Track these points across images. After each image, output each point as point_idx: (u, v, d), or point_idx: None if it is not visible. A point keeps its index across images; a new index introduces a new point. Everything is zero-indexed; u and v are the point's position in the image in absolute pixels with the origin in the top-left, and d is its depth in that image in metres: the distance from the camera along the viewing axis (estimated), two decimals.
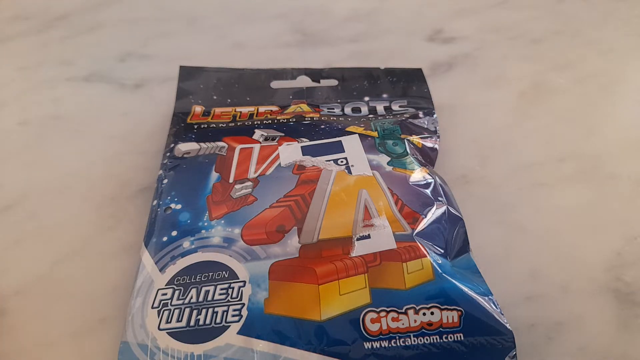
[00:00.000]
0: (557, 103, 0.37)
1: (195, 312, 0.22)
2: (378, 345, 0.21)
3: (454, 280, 0.22)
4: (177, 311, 0.22)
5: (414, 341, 0.21)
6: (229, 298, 0.22)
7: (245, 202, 0.26)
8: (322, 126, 0.31)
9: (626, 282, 0.26)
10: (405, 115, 0.32)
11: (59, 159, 0.33)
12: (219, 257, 0.24)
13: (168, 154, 0.29)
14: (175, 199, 0.26)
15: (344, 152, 0.29)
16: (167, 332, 0.21)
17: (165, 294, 0.23)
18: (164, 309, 0.22)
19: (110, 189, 0.31)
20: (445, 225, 0.25)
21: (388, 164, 0.28)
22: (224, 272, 0.23)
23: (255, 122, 0.32)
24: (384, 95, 0.35)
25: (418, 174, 0.27)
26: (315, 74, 0.36)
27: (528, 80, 0.39)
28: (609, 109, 0.37)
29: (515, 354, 0.21)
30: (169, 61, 0.40)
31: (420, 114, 0.33)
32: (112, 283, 0.26)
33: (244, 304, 0.22)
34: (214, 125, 0.31)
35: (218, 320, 0.22)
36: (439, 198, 0.26)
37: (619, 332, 0.24)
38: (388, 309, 0.22)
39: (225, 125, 0.31)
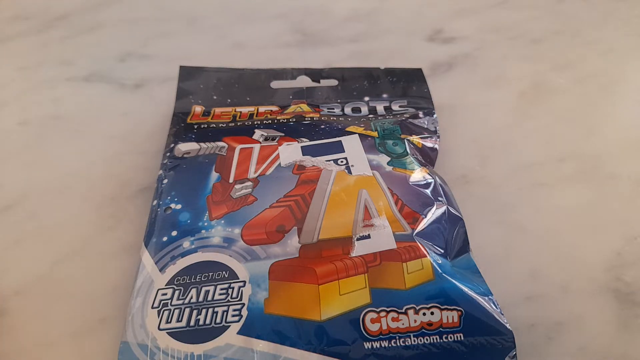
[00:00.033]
0: (557, 103, 0.37)
1: (195, 312, 0.22)
2: (378, 345, 0.21)
3: (454, 280, 0.22)
4: (177, 311, 0.22)
5: (414, 341, 0.21)
6: (229, 298, 0.22)
7: (245, 202, 0.26)
8: (322, 126, 0.31)
9: (626, 282, 0.26)
10: (405, 115, 0.32)
11: (59, 159, 0.33)
12: (219, 257, 0.24)
13: (168, 154, 0.29)
14: (175, 199, 0.26)
15: (344, 152, 0.29)
16: (167, 332, 0.21)
17: (165, 294, 0.23)
18: (164, 309, 0.22)
19: (110, 189, 0.31)
20: (445, 225, 0.25)
21: (388, 164, 0.28)
22: (224, 272, 0.23)
23: (255, 122, 0.32)
24: (384, 95, 0.35)
25: (418, 174, 0.27)
26: (315, 74, 0.36)
27: (528, 80, 0.39)
28: (609, 109, 0.37)
29: (515, 354, 0.21)
30: (169, 61, 0.40)
31: (420, 114, 0.33)
32: (112, 283, 0.26)
33: (244, 304, 0.22)
34: (214, 125, 0.31)
35: (218, 320, 0.22)
36: (439, 198, 0.26)
37: (619, 332, 0.24)
38: (388, 309, 0.22)
39: (225, 125, 0.31)
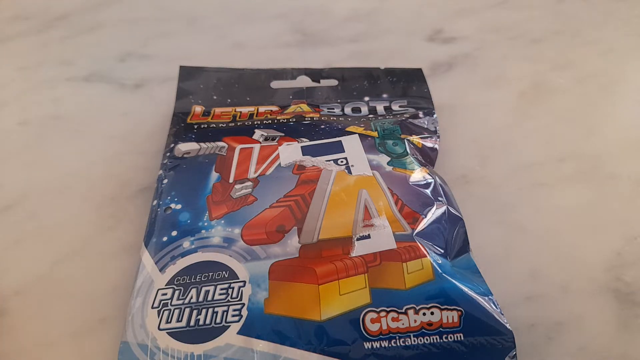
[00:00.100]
0: (557, 103, 0.37)
1: (195, 312, 0.22)
2: (378, 345, 0.21)
3: (454, 280, 0.22)
4: (177, 311, 0.22)
5: (414, 341, 0.21)
6: (229, 298, 0.22)
7: (245, 202, 0.26)
8: (322, 126, 0.31)
9: (626, 282, 0.26)
10: (405, 115, 0.32)
11: (59, 159, 0.33)
12: (219, 257, 0.24)
13: (168, 154, 0.29)
14: (175, 199, 0.26)
15: (344, 152, 0.29)
16: (167, 332, 0.21)
17: (165, 294, 0.23)
18: (164, 309, 0.22)
19: (110, 189, 0.31)
20: (445, 225, 0.25)
21: (388, 164, 0.28)
22: (224, 272, 0.23)
23: (255, 122, 0.32)
24: (384, 95, 0.35)
25: (418, 174, 0.27)
26: (315, 74, 0.36)
27: (528, 80, 0.39)
28: (609, 109, 0.37)
29: (515, 354, 0.21)
30: (169, 61, 0.40)
31: (420, 114, 0.33)
32: (112, 283, 0.26)
33: (244, 304, 0.22)
34: (214, 125, 0.31)
35: (218, 320, 0.22)
36: (439, 198, 0.26)
37: (619, 332, 0.24)
38: (388, 309, 0.22)
39: (225, 125, 0.31)
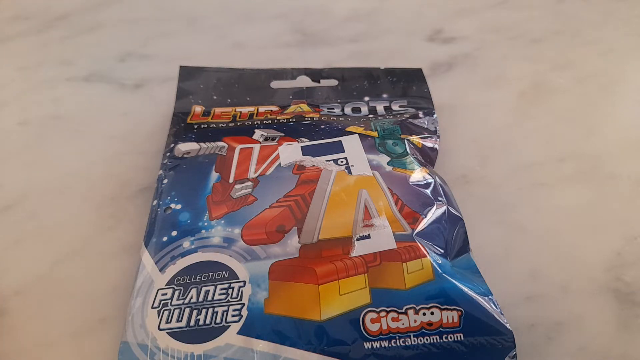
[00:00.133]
0: (557, 103, 0.37)
1: (195, 312, 0.22)
2: (378, 345, 0.21)
3: (454, 280, 0.22)
4: (177, 311, 0.22)
5: (414, 341, 0.21)
6: (229, 298, 0.22)
7: (245, 202, 0.26)
8: (322, 126, 0.31)
9: (626, 282, 0.26)
10: (405, 115, 0.32)
11: (59, 159, 0.33)
12: (219, 257, 0.24)
13: (168, 154, 0.29)
14: (175, 199, 0.26)
15: (344, 152, 0.29)
16: (167, 332, 0.21)
17: (165, 294, 0.23)
18: (164, 309, 0.22)
19: (110, 189, 0.31)
20: (445, 225, 0.25)
21: (388, 164, 0.28)
22: (224, 272, 0.23)
23: (255, 122, 0.32)
24: (384, 95, 0.35)
25: (418, 174, 0.27)
26: (315, 74, 0.36)
27: (528, 80, 0.39)
28: (609, 109, 0.37)
29: (515, 354, 0.21)
30: (169, 61, 0.40)
31: (420, 114, 0.33)
32: (112, 283, 0.26)
33: (244, 304, 0.22)
34: (214, 125, 0.31)
35: (218, 320, 0.22)
36: (439, 198, 0.26)
37: (619, 332, 0.24)
38: (388, 309, 0.22)
39: (225, 125, 0.31)
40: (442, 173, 0.29)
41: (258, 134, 0.30)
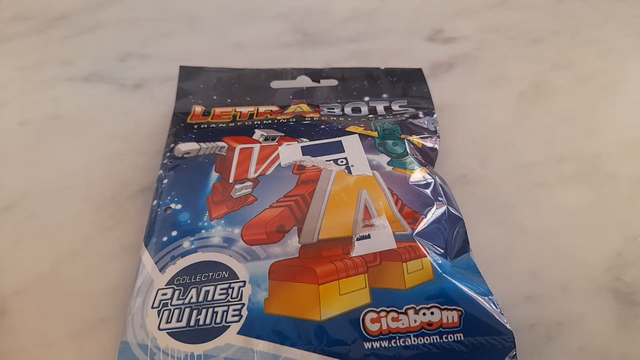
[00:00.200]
0: (557, 103, 0.37)
1: (195, 312, 0.22)
2: (378, 345, 0.21)
3: (454, 280, 0.22)
4: (177, 311, 0.22)
5: (414, 341, 0.21)
6: (229, 298, 0.22)
7: (245, 202, 0.26)
8: (322, 126, 0.31)
9: (626, 282, 0.26)
10: (405, 115, 0.32)
11: (59, 159, 0.33)
12: (219, 257, 0.24)
13: (168, 154, 0.29)
14: (175, 199, 0.26)
15: (344, 152, 0.29)
16: (167, 332, 0.21)
17: (165, 294, 0.23)
18: (164, 309, 0.22)
19: (110, 189, 0.31)
20: (445, 225, 0.25)
21: (388, 164, 0.28)
22: (224, 272, 0.23)
23: (255, 122, 0.32)
24: (384, 95, 0.35)
25: (418, 174, 0.27)
26: (315, 74, 0.36)
27: (528, 80, 0.39)
28: (609, 109, 0.37)
29: (515, 354, 0.21)
30: (169, 61, 0.40)
31: (420, 114, 0.33)
32: (112, 283, 0.26)
33: (244, 304, 0.22)
34: (214, 125, 0.31)
35: (218, 320, 0.22)
36: (439, 198, 0.26)
37: (619, 332, 0.24)
38: (388, 309, 0.22)
39: (225, 125, 0.31)
40: (442, 173, 0.29)
41: (258, 134, 0.30)
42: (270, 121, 0.32)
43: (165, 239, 0.25)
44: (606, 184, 0.31)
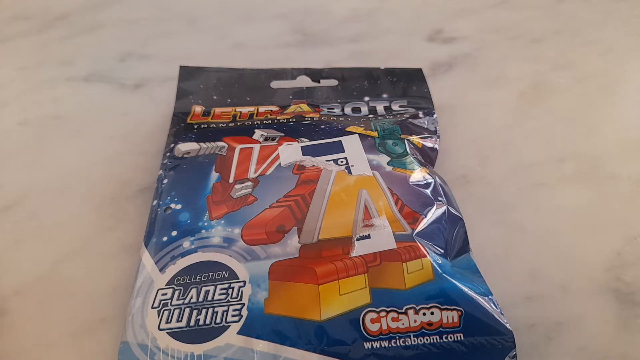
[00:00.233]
0: (557, 103, 0.37)
1: (195, 312, 0.22)
2: (378, 345, 0.21)
3: (454, 280, 0.22)
4: (177, 311, 0.22)
5: (414, 341, 0.21)
6: (229, 298, 0.22)
7: (245, 202, 0.26)
8: (322, 126, 0.31)
9: (626, 282, 0.26)
10: (405, 115, 0.32)
11: (59, 159, 0.33)
12: (219, 257, 0.24)
13: (168, 154, 0.29)
14: (175, 199, 0.26)
15: (344, 152, 0.29)
16: (167, 332, 0.21)
17: (165, 294, 0.23)
18: (164, 309, 0.22)
19: (110, 189, 0.31)
20: (445, 225, 0.25)
21: (388, 164, 0.28)
22: (224, 272, 0.23)
23: (255, 122, 0.32)
24: (384, 95, 0.35)
25: (418, 174, 0.27)
26: (315, 74, 0.36)
27: (528, 80, 0.39)
28: (609, 109, 0.37)
29: (515, 354, 0.21)
30: (169, 61, 0.40)
31: (420, 114, 0.33)
32: (112, 283, 0.26)
33: (244, 304, 0.22)
34: (214, 125, 0.31)
35: (218, 320, 0.22)
36: (439, 198, 0.26)
37: (619, 332, 0.24)
38: (388, 309, 0.22)
39: (225, 125, 0.31)
40: (442, 173, 0.29)
41: (258, 134, 0.30)
42: (270, 121, 0.32)
43: (165, 239, 0.25)
44: (606, 184, 0.31)
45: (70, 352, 0.24)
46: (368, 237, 0.24)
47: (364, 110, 0.33)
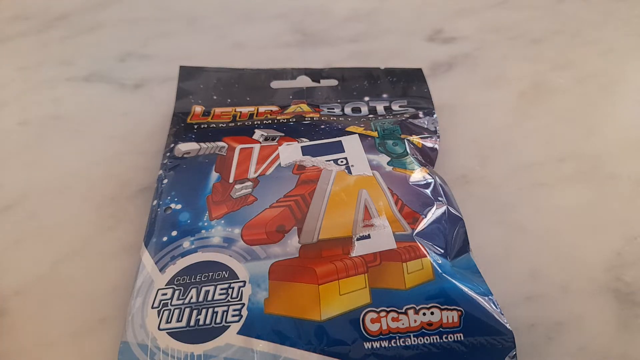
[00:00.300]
0: (557, 103, 0.37)
1: (195, 312, 0.22)
2: (378, 345, 0.21)
3: (454, 280, 0.22)
4: (177, 311, 0.22)
5: (414, 341, 0.21)
6: (229, 298, 0.22)
7: (245, 202, 0.26)
8: (322, 126, 0.31)
9: (626, 282, 0.26)
10: (405, 115, 0.32)
11: (59, 159, 0.33)
12: (219, 257, 0.24)
13: (168, 154, 0.29)
14: (175, 199, 0.26)
15: (344, 152, 0.29)
16: (167, 332, 0.21)
17: (165, 294, 0.23)
18: (164, 309, 0.22)
19: (110, 189, 0.31)
20: (445, 225, 0.25)
21: (388, 164, 0.28)
22: (224, 272, 0.23)
23: (255, 122, 0.32)
24: (384, 95, 0.35)
25: (418, 174, 0.27)
26: (315, 74, 0.36)
27: (528, 80, 0.39)
28: (609, 109, 0.37)
29: (515, 354, 0.21)
30: (169, 61, 0.40)
31: (420, 114, 0.33)
32: (112, 283, 0.26)
33: (244, 304, 0.22)
34: (214, 125, 0.31)
35: (218, 320, 0.22)
36: (439, 198, 0.26)
37: (619, 332, 0.24)
38: (388, 309, 0.22)
39: (225, 125, 0.31)
40: (442, 173, 0.29)
41: (258, 134, 0.30)
42: (270, 121, 0.32)
43: (165, 239, 0.25)
44: (606, 184, 0.31)
45: (70, 352, 0.24)
46: (368, 237, 0.24)
47: (364, 110, 0.33)
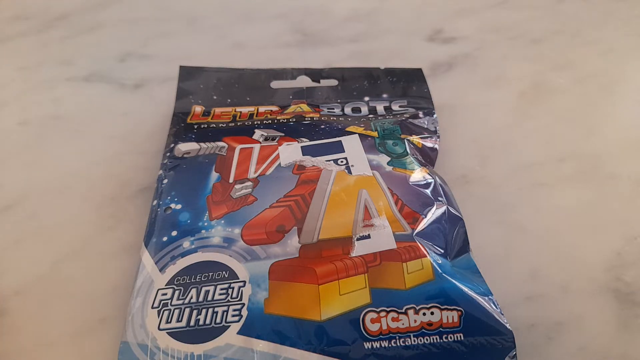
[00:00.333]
0: (557, 103, 0.37)
1: (195, 312, 0.22)
2: (378, 345, 0.21)
3: (454, 280, 0.22)
4: (177, 311, 0.22)
5: (414, 341, 0.21)
6: (229, 298, 0.22)
7: (245, 202, 0.26)
8: (322, 126, 0.31)
9: (626, 282, 0.26)
10: (405, 115, 0.32)
11: (59, 159, 0.33)
12: (219, 257, 0.24)
13: (168, 154, 0.29)
14: (175, 199, 0.26)
15: (344, 152, 0.29)
16: (167, 332, 0.21)
17: (165, 294, 0.23)
18: (164, 309, 0.22)
19: (110, 189, 0.31)
20: (445, 225, 0.25)
21: (388, 164, 0.28)
22: (224, 272, 0.23)
23: (255, 122, 0.32)
24: (384, 95, 0.35)
25: (418, 174, 0.27)
26: (315, 74, 0.36)
27: (528, 80, 0.39)
28: (609, 109, 0.37)
29: (515, 354, 0.21)
30: (169, 61, 0.40)
31: (420, 114, 0.33)
32: (112, 283, 0.26)
33: (244, 304, 0.22)
34: (214, 125, 0.31)
35: (218, 320, 0.22)
36: (439, 198, 0.26)
37: (619, 332, 0.24)
38: (388, 309, 0.22)
39: (225, 125, 0.31)
40: (442, 173, 0.29)
41: (258, 134, 0.30)
42: (270, 121, 0.32)
43: (165, 239, 0.25)
44: (606, 184, 0.31)
45: (70, 352, 0.24)
46: (368, 237, 0.24)
47: (364, 110, 0.33)
